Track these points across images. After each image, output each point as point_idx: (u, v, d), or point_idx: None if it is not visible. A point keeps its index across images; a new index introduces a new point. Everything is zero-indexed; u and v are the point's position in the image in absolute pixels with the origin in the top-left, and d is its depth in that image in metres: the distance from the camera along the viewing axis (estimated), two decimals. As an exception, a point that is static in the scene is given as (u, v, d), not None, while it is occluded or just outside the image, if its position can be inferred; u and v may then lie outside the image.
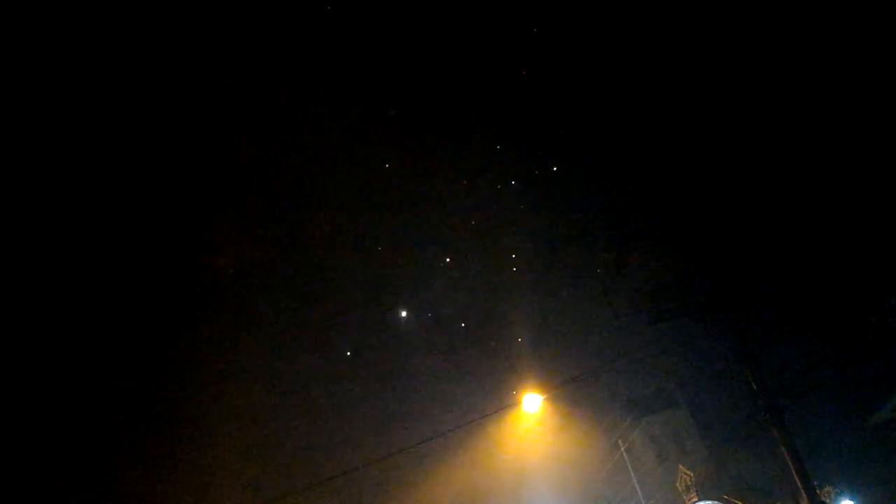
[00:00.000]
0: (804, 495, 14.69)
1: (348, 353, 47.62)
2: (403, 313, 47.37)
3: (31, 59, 32.43)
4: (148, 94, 36.07)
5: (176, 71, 35.92)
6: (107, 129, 35.87)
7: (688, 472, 32.12)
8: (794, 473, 14.76)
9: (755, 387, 15.00)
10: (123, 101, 35.73)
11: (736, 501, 28.59)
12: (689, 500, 31.36)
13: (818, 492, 15.14)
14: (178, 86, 36.36)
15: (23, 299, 34.54)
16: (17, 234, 33.73)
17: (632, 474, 42.65)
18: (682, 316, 15.70)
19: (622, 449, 43.27)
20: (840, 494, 28.36)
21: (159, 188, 38.27)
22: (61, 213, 35.90)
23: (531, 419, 37.59)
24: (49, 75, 33.23)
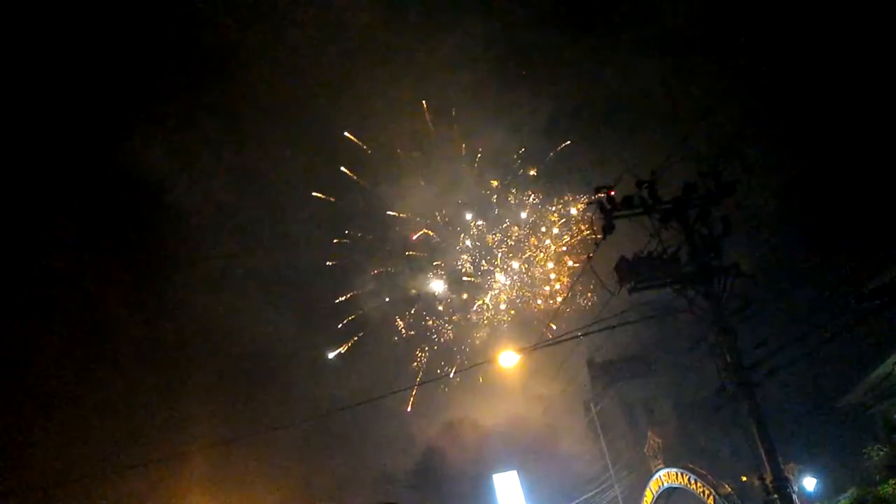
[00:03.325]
0: (768, 470, 14.84)
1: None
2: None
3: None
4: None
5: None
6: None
7: (656, 439, 32.49)
8: (761, 448, 14.89)
9: (729, 360, 15.07)
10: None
11: (701, 471, 28.93)
12: (656, 465, 31.75)
13: (782, 468, 15.30)
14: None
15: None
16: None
17: (601, 436, 43.16)
18: (662, 285, 15.74)
19: (593, 412, 43.71)
20: (804, 472, 28.78)
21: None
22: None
23: (506, 378, 37.91)
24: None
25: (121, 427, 37.68)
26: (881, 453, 27.54)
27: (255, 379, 45.57)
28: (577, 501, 44.91)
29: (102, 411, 37.86)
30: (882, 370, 27.96)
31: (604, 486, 42.48)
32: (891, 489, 25.07)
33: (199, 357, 42.07)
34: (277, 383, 45.72)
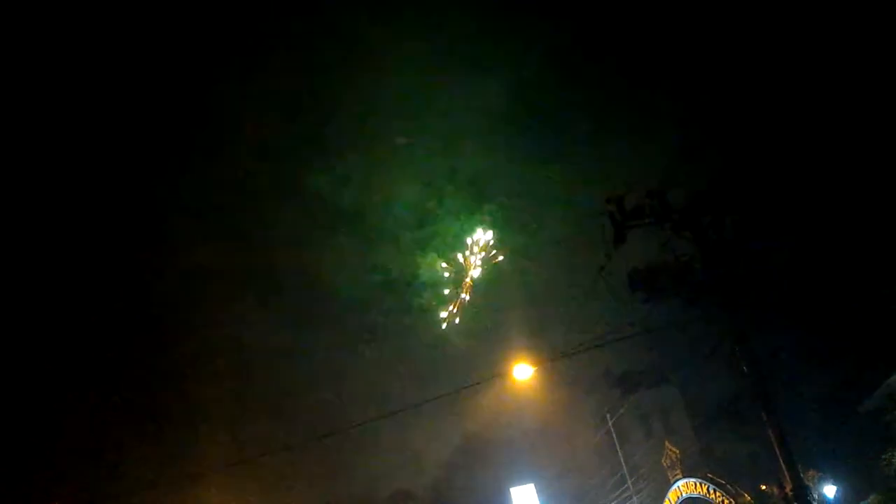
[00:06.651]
0: (788, 478, 14.76)
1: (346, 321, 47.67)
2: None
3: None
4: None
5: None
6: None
7: (674, 450, 32.31)
8: (780, 456, 14.80)
9: (745, 369, 15.00)
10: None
11: (720, 480, 28.74)
12: (674, 476, 31.57)
13: (802, 475, 15.20)
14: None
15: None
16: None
17: (618, 448, 42.95)
18: (676, 295, 15.71)
19: (610, 423, 43.52)
20: (824, 479, 28.55)
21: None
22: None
23: (521, 390, 37.81)
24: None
25: (132, 450, 37.66)
26: (901, 459, 27.32)
27: (267, 393, 45.46)
28: (595, 513, 44.78)
29: (113, 433, 37.88)
30: (900, 375, 27.78)
31: (622, 497, 42.28)
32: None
33: (211, 373, 41.98)
34: (286, 398, 45.66)
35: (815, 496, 26.11)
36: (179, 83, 38.35)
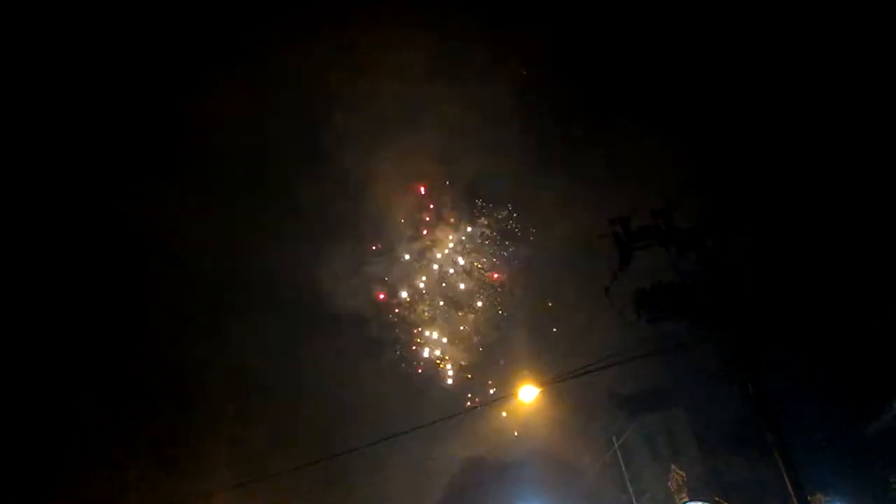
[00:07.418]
0: (795, 501, 14.63)
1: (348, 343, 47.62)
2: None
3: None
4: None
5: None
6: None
7: (680, 473, 32.15)
8: (787, 479, 14.69)
9: (752, 390, 14.91)
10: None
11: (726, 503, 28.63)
12: (681, 499, 31.40)
13: (809, 499, 15.07)
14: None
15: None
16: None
17: (624, 471, 42.70)
18: (681, 317, 15.64)
19: (616, 446, 43.31)
20: (831, 502, 28.35)
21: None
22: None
23: (527, 411, 37.67)
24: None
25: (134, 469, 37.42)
26: (909, 482, 27.12)
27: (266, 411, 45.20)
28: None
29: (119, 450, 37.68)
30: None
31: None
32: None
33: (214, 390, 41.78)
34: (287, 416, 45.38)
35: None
36: (175, 85, 38.63)
